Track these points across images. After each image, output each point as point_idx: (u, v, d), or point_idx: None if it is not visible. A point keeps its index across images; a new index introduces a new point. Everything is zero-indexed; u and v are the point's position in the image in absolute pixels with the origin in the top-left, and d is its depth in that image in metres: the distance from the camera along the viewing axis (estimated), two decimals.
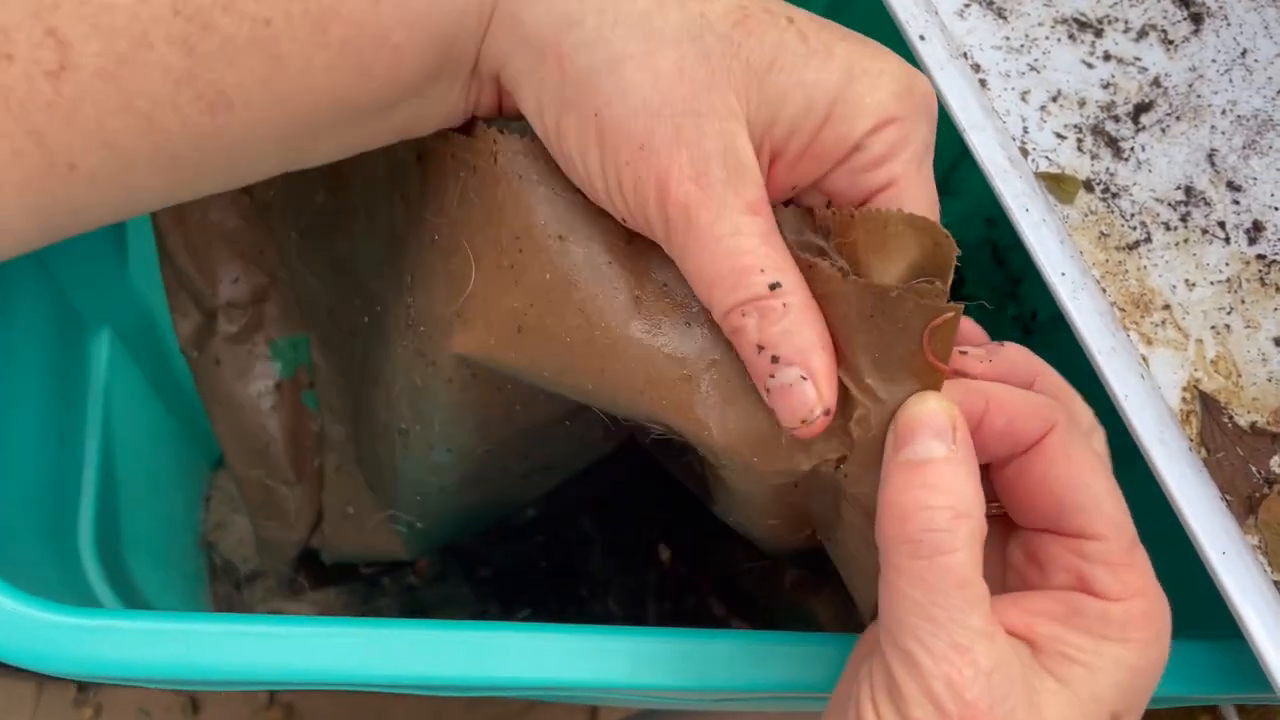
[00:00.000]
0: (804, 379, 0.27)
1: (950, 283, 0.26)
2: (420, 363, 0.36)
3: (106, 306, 0.46)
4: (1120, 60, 0.44)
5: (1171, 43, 0.44)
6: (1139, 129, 0.43)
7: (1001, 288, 0.81)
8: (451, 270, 0.33)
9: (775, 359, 0.27)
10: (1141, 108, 0.43)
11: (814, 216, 0.29)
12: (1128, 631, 0.27)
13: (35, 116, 0.24)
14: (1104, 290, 0.39)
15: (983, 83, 0.42)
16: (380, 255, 0.39)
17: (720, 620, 0.60)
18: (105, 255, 0.45)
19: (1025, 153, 0.41)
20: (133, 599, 0.45)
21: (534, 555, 0.65)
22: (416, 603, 0.65)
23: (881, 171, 0.27)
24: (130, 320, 0.49)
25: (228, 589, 0.64)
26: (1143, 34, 0.44)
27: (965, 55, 0.42)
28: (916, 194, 0.28)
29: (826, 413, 0.27)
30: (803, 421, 0.27)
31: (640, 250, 0.30)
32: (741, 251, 0.27)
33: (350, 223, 0.41)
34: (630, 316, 0.30)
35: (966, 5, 0.43)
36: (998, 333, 0.85)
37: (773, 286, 0.27)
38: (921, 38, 0.40)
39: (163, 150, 0.25)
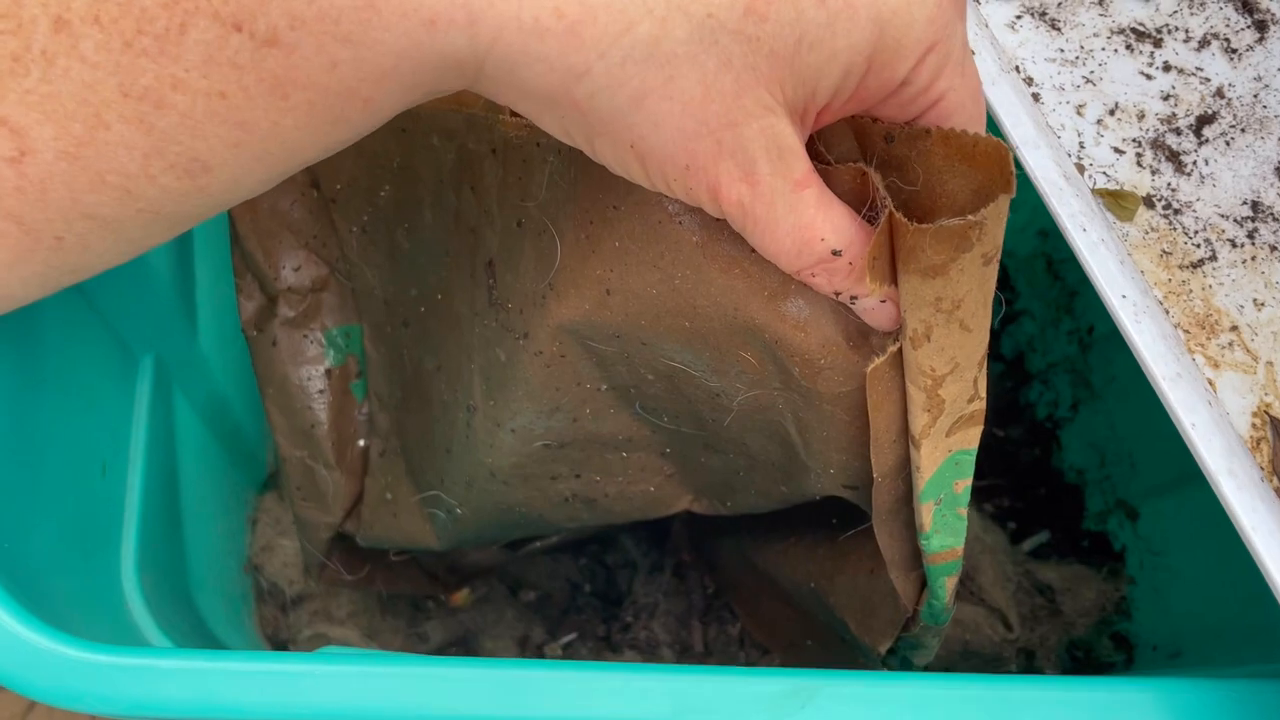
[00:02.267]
0: (883, 302, 0.30)
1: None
2: (508, 337, 0.38)
3: (150, 334, 0.46)
4: (1181, 70, 0.42)
5: (1235, 51, 0.43)
6: (1202, 142, 0.41)
7: (1057, 301, 0.79)
8: (540, 249, 0.35)
9: (853, 297, 0.30)
10: (1204, 120, 0.41)
11: (865, 129, 0.29)
12: None
13: (7, 201, 0.24)
14: (1167, 312, 0.38)
15: (1036, 96, 0.41)
16: (444, 245, 0.41)
17: (767, 649, 0.59)
18: (148, 284, 0.45)
19: (1082, 169, 0.39)
20: (177, 627, 0.45)
21: (578, 578, 0.64)
22: (461, 626, 0.64)
23: (930, 92, 0.28)
24: (174, 346, 0.49)
25: (274, 612, 0.64)
26: (1204, 43, 0.43)
27: (1018, 69, 0.41)
28: (964, 97, 0.28)
29: None
30: (892, 328, 0.31)
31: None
32: (800, 227, 0.28)
33: (413, 215, 0.42)
34: (701, 260, 0.32)
35: (1018, 17, 0.42)
36: (1054, 347, 0.83)
37: (835, 252, 0.28)
38: (971, 52, 0.38)
39: (147, 212, 0.25)
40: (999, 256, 0.29)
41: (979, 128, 0.29)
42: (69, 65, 0.23)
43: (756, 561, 0.54)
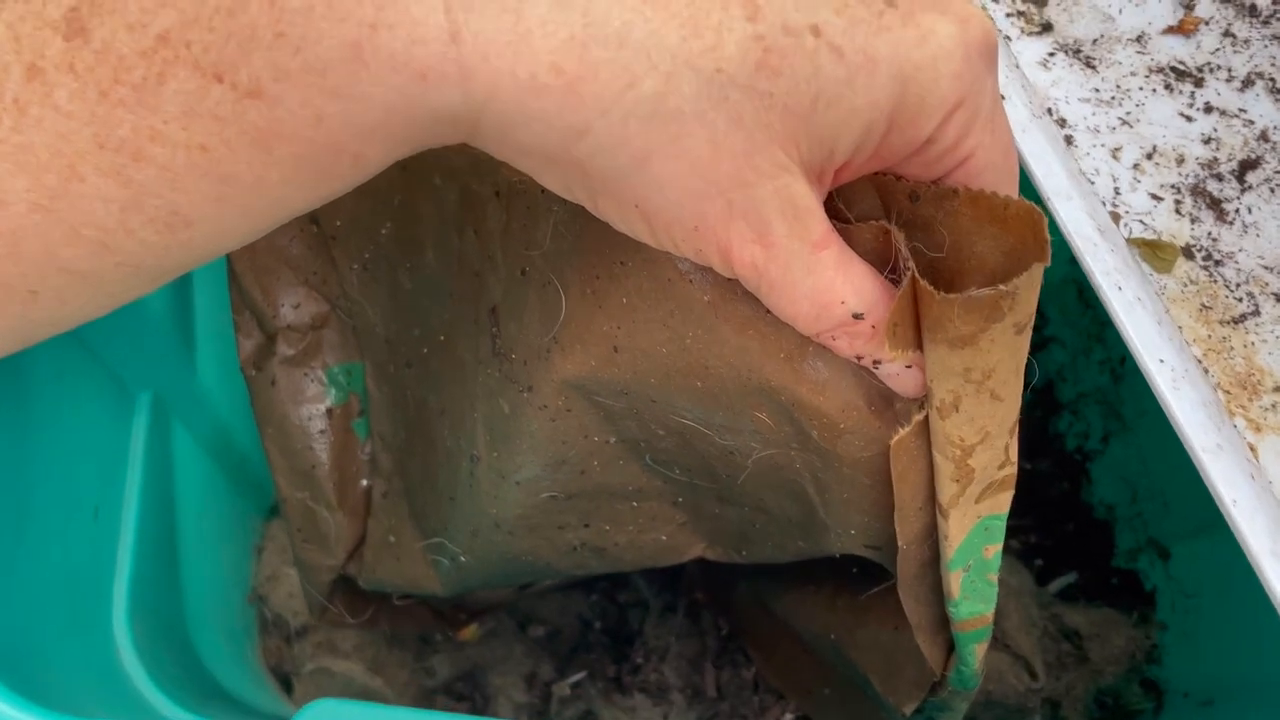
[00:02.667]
0: (908, 367, 0.28)
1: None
2: (511, 389, 0.37)
3: (147, 371, 0.45)
4: (1223, 112, 0.40)
5: None
6: (1245, 188, 0.39)
7: (1088, 330, 0.77)
8: (545, 300, 0.34)
9: (876, 362, 0.28)
10: (1247, 165, 0.39)
11: (889, 187, 0.28)
12: None
13: None
14: (1206, 371, 0.35)
15: (1069, 139, 0.38)
16: (447, 287, 0.40)
17: (782, 695, 0.57)
18: (144, 320, 0.44)
19: (1117, 217, 0.37)
20: (170, 674, 0.43)
21: (589, 615, 0.63)
22: (469, 661, 0.63)
23: (958, 151, 0.26)
24: (172, 382, 0.47)
25: (278, 643, 0.63)
26: (1248, 83, 0.40)
27: (1050, 111, 0.39)
28: (995, 155, 0.27)
29: None
30: (916, 394, 0.29)
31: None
32: (818, 290, 0.26)
33: (415, 254, 0.41)
34: (713, 320, 0.30)
35: (1051, 54, 0.40)
36: (1084, 376, 0.81)
37: (856, 315, 0.27)
38: (1002, 96, 0.36)
39: (126, 266, 0.24)
40: (1031, 324, 0.27)
41: (1011, 185, 0.27)
42: (42, 114, 0.22)
43: (773, 607, 0.52)
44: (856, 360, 0.28)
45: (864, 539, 0.36)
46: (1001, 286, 0.25)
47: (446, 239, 0.39)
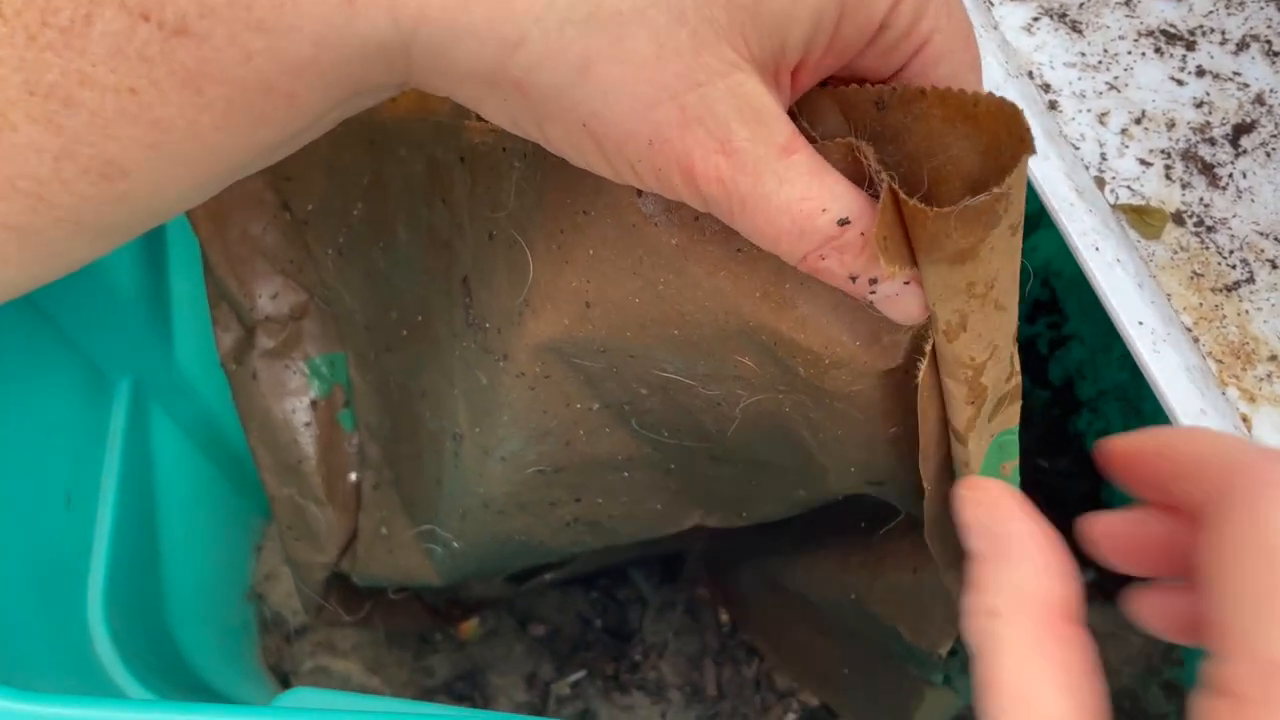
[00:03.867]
0: (906, 283, 0.25)
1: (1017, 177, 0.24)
2: (488, 360, 0.36)
3: (126, 357, 0.45)
4: (1216, 75, 0.38)
5: (1277, 54, 0.39)
6: (1239, 153, 0.37)
7: (1108, 326, 0.75)
8: (512, 262, 0.33)
9: (873, 280, 0.26)
10: (1242, 129, 0.38)
11: (852, 100, 0.26)
12: None
13: None
14: (1197, 340, 0.34)
15: (1053, 104, 0.37)
16: (421, 264, 0.39)
17: (784, 693, 0.56)
18: (116, 304, 0.43)
19: (1102, 182, 0.36)
20: (151, 666, 0.43)
21: (588, 613, 0.61)
22: (468, 661, 0.62)
23: (914, 36, 0.25)
24: (157, 370, 0.47)
25: (278, 642, 0.63)
26: (1243, 45, 0.39)
27: (1031, 74, 0.37)
28: (953, 41, 0.25)
29: None
30: (922, 318, 0.26)
31: (666, 202, 0.29)
32: (795, 199, 0.24)
33: (388, 234, 0.40)
34: (683, 263, 0.29)
35: (1035, 19, 0.39)
36: (1104, 374, 0.79)
37: (841, 222, 0.25)
38: None
39: (66, 221, 0.24)
40: (1023, 221, 0.25)
41: (974, 73, 0.26)
42: None
43: (785, 583, 0.51)
44: (850, 284, 0.26)
45: (865, 475, 0.35)
46: (995, 189, 0.23)
47: (416, 212, 0.38)
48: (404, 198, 0.38)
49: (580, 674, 0.60)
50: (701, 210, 0.26)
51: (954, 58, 0.25)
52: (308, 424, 0.47)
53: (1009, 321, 0.28)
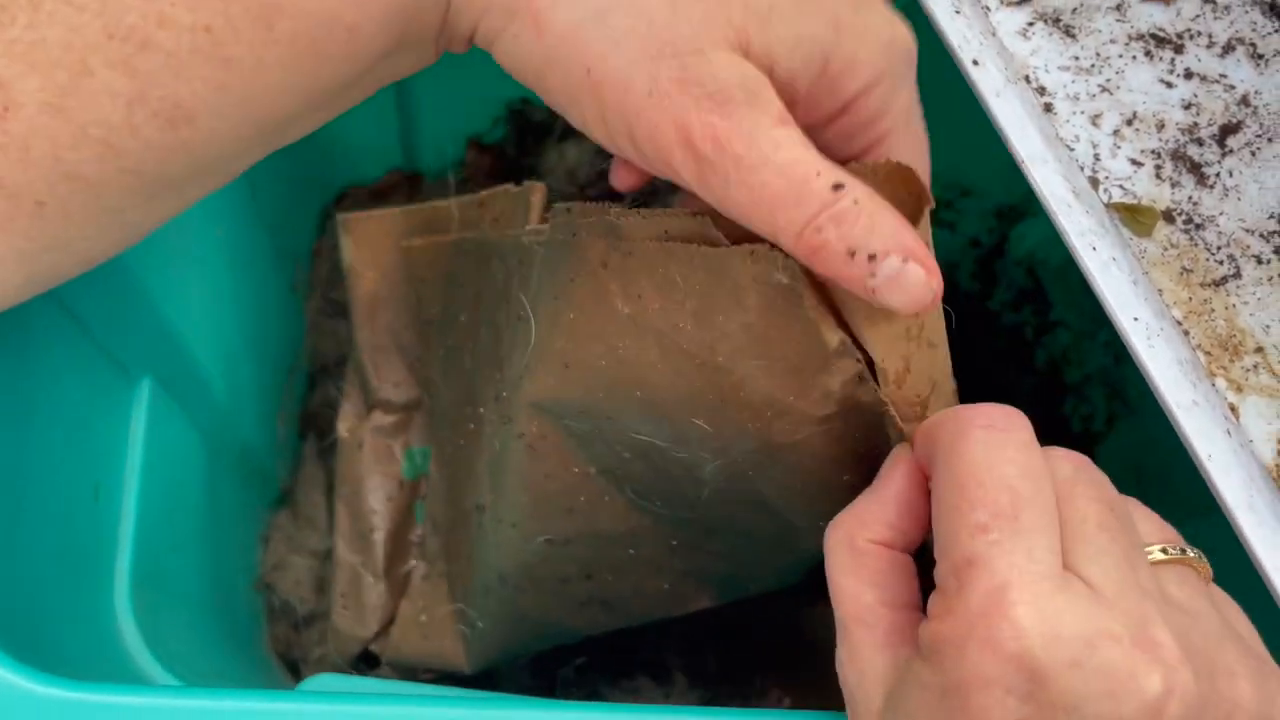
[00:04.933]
0: (905, 261, 0.26)
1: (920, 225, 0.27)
2: (503, 428, 0.39)
3: (146, 355, 0.46)
4: (1203, 78, 0.40)
5: (1261, 57, 0.41)
6: (1225, 152, 0.39)
7: (1093, 313, 0.77)
8: (524, 334, 0.36)
9: (871, 256, 0.26)
10: (1228, 129, 0.39)
11: None
12: (928, 652, 0.24)
13: None
14: (1187, 333, 0.36)
15: (1049, 107, 0.39)
16: (491, 364, 0.42)
17: (781, 678, 0.57)
18: (140, 304, 0.44)
19: (1096, 183, 0.38)
20: (175, 654, 0.44)
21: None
22: None
23: (875, 128, 0.27)
24: (173, 369, 0.48)
25: (286, 630, 0.64)
26: (1229, 48, 0.41)
27: (1028, 79, 0.39)
28: (906, 147, 0.27)
29: (939, 283, 0.27)
30: (922, 302, 0.27)
31: (616, 269, 0.31)
32: (792, 163, 0.25)
33: (475, 337, 0.44)
34: (634, 330, 0.31)
35: (1030, 24, 0.40)
36: (1089, 359, 0.80)
37: (836, 187, 0.26)
38: (975, 62, 0.37)
39: (130, 172, 0.24)
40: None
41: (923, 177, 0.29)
42: (55, 8, 0.22)
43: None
44: (850, 262, 0.26)
45: None
46: None
47: (495, 317, 0.41)
48: (489, 305, 0.42)
49: (582, 659, 0.61)
50: (693, 185, 0.27)
51: (905, 159, 0.27)
52: (390, 499, 0.52)
53: (944, 358, 0.30)
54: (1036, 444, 0.26)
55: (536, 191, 0.41)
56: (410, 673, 0.53)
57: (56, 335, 0.39)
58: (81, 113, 0.23)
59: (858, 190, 0.26)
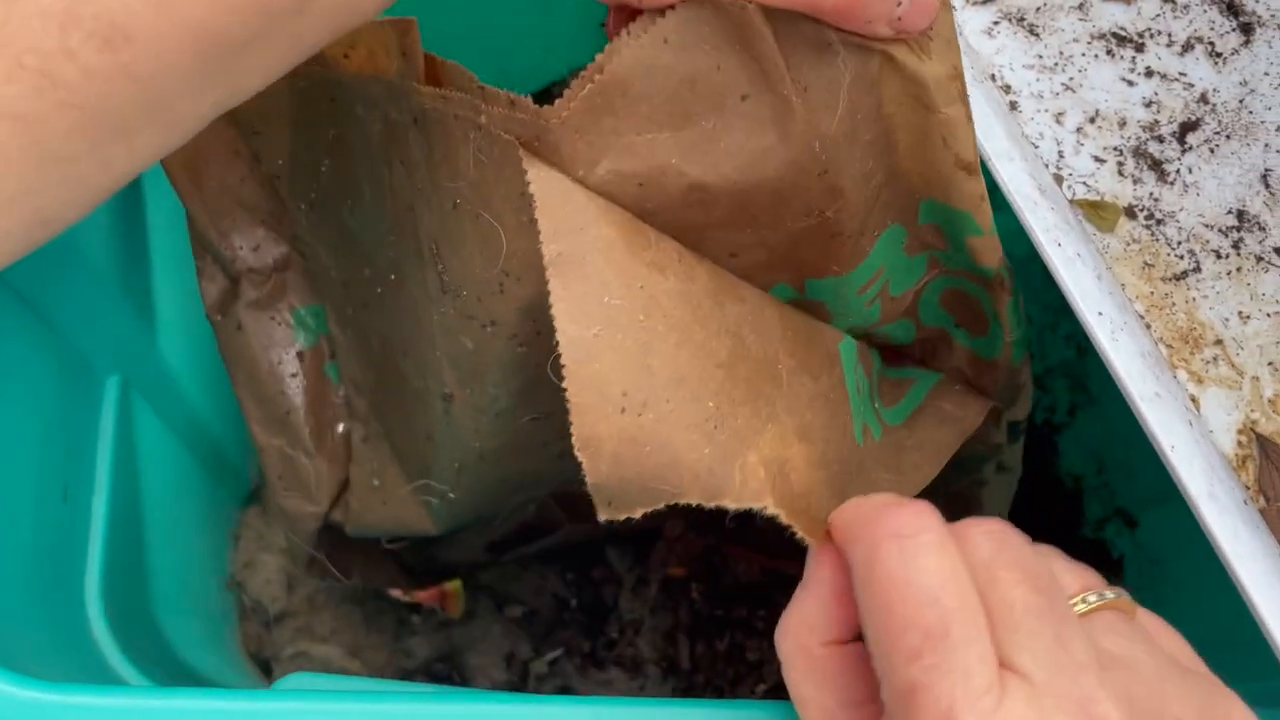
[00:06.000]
0: None
1: None
2: (471, 325, 0.37)
3: (114, 353, 0.45)
4: (1164, 76, 0.41)
5: (1219, 55, 0.41)
6: (1185, 149, 0.40)
7: (1053, 305, 0.78)
8: (481, 233, 0.34)
9: None
10: (1188, 126, 0.40)
11: None
12: None
13: None
14: (1149, 326, 0.36)
15: (1014, 105, 0.39)
16: (385, 225, 0.40)
17: (755, 664, 0.58)
18: (108, 301, 0.44)
19: (1060, 179, 0.38)
20: (146, 654, 0.44)
21: (564, 593, 0.63)
22: (447, 642, 0.63)
23: None
24: (142, 365, 0.48)
25: (258, 629, 0.64)
26: (1188, 47, 0.41)
27: (994, 77, 0.39)
28: None
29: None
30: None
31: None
32: None
33: (354, 191, 0.41)
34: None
35: (995, 23, 0.41)
36: (1051, 351, 0.82)
37: None
38: None
39: (71, 106, 0.23)
40: None
41: None
42: None
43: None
44: None
45: None
46: None
47: (377, 172, 0.39)
48: (364, 157, 0.39)
49: (558, 652, 0.61)
50: None
51: None
52: (294, 375, 0.47)
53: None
54: (949, 539, 0.26)
55: (409, 28, 0.35)
56: (374, 540, 0.52)
57: (21, 334, 0.39)
58: (15, 40, 0.22)
59: None
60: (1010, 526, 0.28)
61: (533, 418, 0.40)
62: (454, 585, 0.62)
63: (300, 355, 0.47)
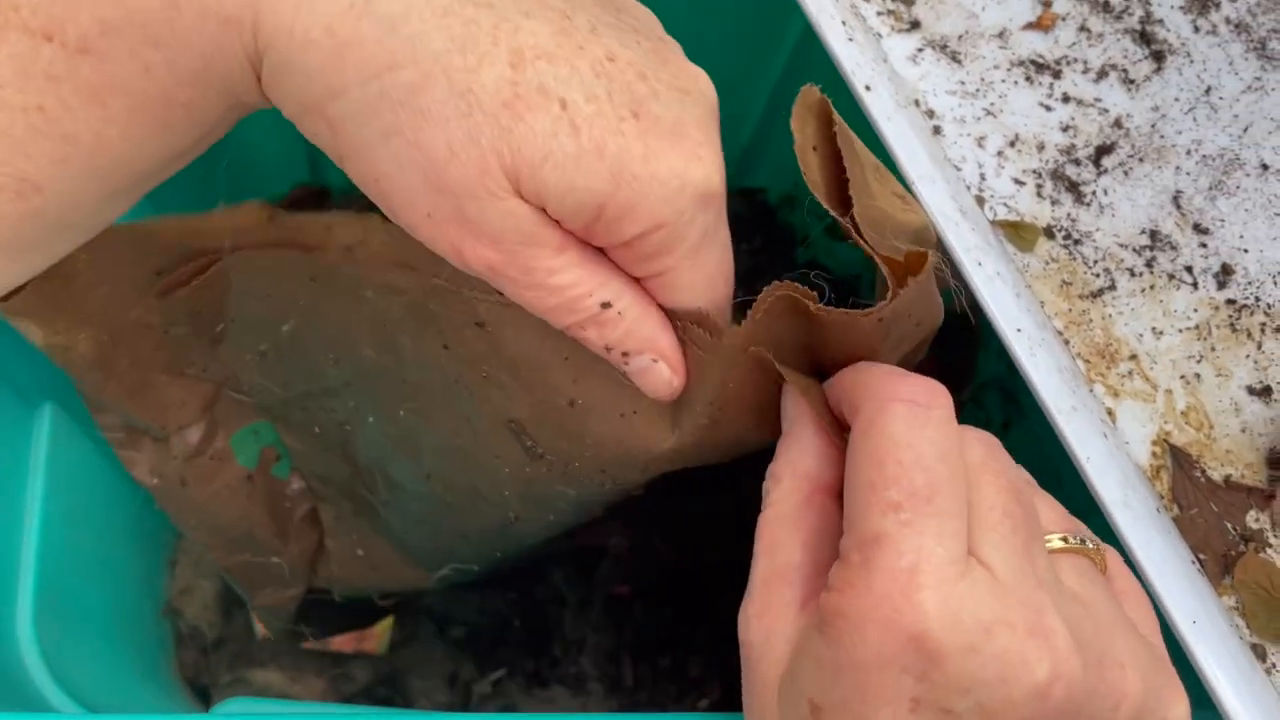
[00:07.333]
0: (655, 361, 0.30)
1: None
2: (569, 479, 0.39)
3: (48, 381, 0.45)
4: (1080, 101, 0.43)
5: (1133, 82, 0.43)
6: (1100, 172, 0.41)
7: (986, 324, 0.80)
8: (570, 418, 0.37)
9: (625, 354, 0.30)
10: (1103, 150, 0.42)
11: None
12: (825, 624, 0.25)
13: None
14: (1067, 342, 0.38)
15: (937, 129, 0.41)
16: (443, 375, 0.40)
17: (697, 680, 0.58)
18: None
19: (982, 201, 0.40)
20: (79, 684, 0.43)
21: (507, 613, 0.63)
22: (388, 665, 0.63)
23: (651, 264, 0.28)
24: (76, 395, 0.47)
25: (195, 656, 0.63)
26: (1102, 74, 0.43)
27: (918, 103, 0.41)
28: (687, 282, 0.29)
29: (680, 382, 0.31)
30: (660, 393, 0.31)
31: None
32: (564, 287, 0.28)
33: (343, 350, 0.42)
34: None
35: (919, 50, 0.42)
36: (984, 367, 0.83)
37: (604, 305, 0.29)
38: (867, 88, 0.38)
39: None
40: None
41: (710, 303, 0.30)
42: None
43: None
44: (606, 352, 0.30)
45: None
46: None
47: (395, 341, 0.40)
48: (366, 328, 0.40)
49: (501, 672, 0.61)
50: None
51: (687, 294, 0.29)
52: (249, 495, 0.48)
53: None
54: (955, 422, 0.27)
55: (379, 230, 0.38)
56: (367, 600, 0.53)
57: None
58: None
59: (625, 302, 0.29)
60: (1000, 444, 0.29)
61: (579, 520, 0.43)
62: (382, 625, 0.62)
63: (249, 477, 0.47)
